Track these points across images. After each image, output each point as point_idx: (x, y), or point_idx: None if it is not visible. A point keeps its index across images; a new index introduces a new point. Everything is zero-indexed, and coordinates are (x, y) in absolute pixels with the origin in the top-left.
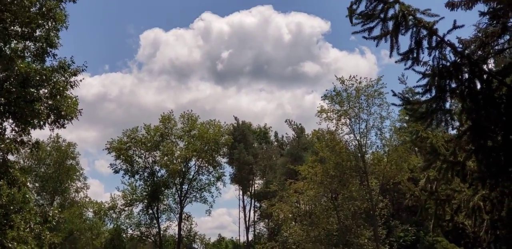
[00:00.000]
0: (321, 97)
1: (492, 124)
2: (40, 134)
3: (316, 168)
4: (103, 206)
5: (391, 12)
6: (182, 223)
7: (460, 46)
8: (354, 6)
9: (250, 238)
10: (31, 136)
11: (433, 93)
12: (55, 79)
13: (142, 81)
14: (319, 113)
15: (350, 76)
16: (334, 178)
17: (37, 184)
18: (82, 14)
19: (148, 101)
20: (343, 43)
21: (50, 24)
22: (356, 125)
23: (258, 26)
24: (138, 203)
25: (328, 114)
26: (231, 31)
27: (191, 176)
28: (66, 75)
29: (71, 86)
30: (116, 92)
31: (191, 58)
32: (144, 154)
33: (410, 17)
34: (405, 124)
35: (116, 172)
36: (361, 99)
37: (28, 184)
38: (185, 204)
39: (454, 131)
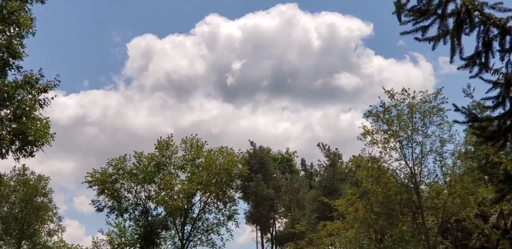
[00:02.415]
0: (364, 114)
1: None
2: (2, 165)
3: (358, 203)
4: None
5: (451, 7)
6: None
7: None
8: (403, 0)
9: None
10: None
11: (507, 107)
12: (19, 97)
13: (131, 100)
14: (362, 136)
15: (403, 89)
16: (380, 216)
17: None
18: (54, 17)
19: (138, 124)
20: (390, 48)
21: (12, 30)
22: (408, 149)
23: (278, 29)
24: (128, 248)
25: (374, 136)
26: (243, 37)
27: (195, 215)
28: (33, 91)
29: (40, 106)
30: (98, 114)
31: (193, 70)
32: (135, 188)
33: (476, 12)
34: (471, 148)
35: (100, 210)
36: (415, 118)
37: None
38: None
39: None
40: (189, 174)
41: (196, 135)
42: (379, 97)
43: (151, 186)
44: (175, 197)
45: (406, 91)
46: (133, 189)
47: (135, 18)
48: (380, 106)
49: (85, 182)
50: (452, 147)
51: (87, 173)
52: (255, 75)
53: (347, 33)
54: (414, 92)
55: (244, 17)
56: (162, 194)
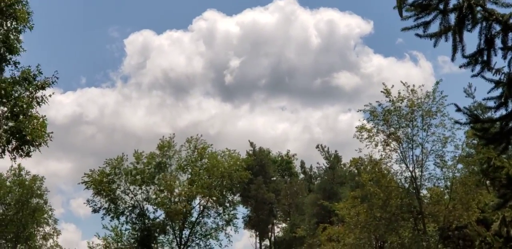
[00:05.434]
0: (360, 110)
1: None
2: None
3: (359, 207)
4: None
5: (453, 1)
6: None
7: None
8: None
9: None
10: None
11: (510, 108)
12: (16, 94)
13: (129, 99)
14: (358, 132)
15: (402, 83)
16: (380, 221)
17: None
18: (52, 12)
19: (136, 124)
20: (389, 47)
21: (9, 24)
22: (409, 151)
23: (277, 26)
24: None
25: (371, 133)
26: (241, 34)
27: (193, 219)
28: (31, 88)
29: (38, 103)
30: (95, 113)
31: (191, 68)
32: (133, 189)
33: (479, 8)
34: (473, 150)
35: (95, 211)
36: (415, 116)
37: None
38: None
39: None
40: (190, 176)
41: (201, 135)
42: (381, 91)
43: (150, 188)
44: (176, 199)
45: (405, 85)
46: (129, 191)
47: (133, 13)
48: (380, 106)
49: (82, 183)
50: (453, 148)
51: (84, 173)
52: (253, 74)
53: (346, 31)
54: (414, 86)
55: (242, 13)
56: (162, 196)
